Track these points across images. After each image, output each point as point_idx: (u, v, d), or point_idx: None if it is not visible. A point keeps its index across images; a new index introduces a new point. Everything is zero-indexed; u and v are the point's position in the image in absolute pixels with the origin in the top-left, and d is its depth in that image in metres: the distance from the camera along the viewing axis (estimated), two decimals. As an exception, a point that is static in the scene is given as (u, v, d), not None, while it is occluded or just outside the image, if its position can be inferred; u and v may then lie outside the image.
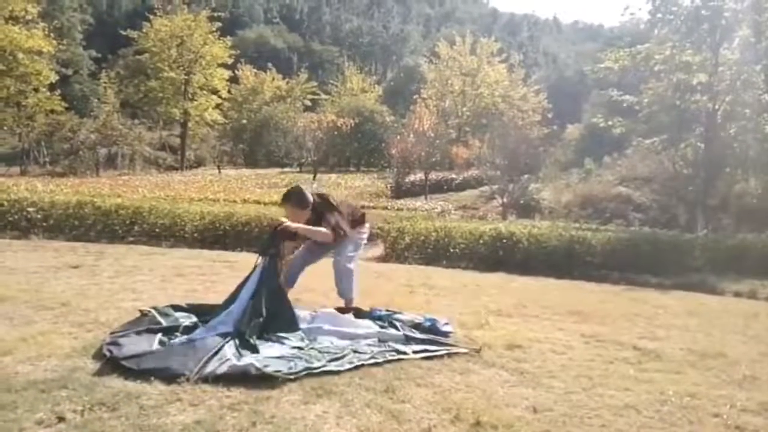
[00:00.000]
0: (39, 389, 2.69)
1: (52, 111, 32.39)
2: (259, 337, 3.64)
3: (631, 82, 19.28)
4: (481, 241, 10.31)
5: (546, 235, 10.31)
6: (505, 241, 10.16)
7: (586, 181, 24.96)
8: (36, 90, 30.97)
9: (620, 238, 10.80)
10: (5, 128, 32.27)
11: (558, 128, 35.16)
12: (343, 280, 4.61)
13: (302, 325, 3.94)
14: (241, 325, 3.65)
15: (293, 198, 4.43)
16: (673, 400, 3.20)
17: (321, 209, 4.43)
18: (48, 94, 31.60)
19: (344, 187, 28.02)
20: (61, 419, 2.42)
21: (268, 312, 3.79)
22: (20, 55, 29.21)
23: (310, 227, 4.35)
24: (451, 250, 10.37)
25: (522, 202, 22.08)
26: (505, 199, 21.69)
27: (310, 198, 4.43)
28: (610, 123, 18.40)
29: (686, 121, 16.90)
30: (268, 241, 4.16)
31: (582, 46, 79.19)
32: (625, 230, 15.05)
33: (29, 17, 29.38)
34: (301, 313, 4.21)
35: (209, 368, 3.04)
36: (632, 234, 12.36)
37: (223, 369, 3.05)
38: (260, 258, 4.03)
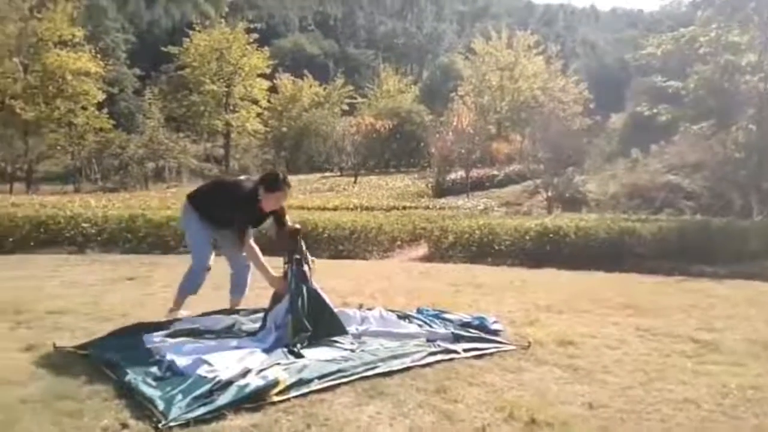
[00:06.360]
0: (102, 398, 2.81)
1: (101, 129, 33.63)
2: (309, 345, 3.62)
3: (675, 68, 18.68)
4: (527, 237, 10.17)
5: (594, 228, 10.10)
6: (551, 235, 10.00)
7: (633, 171, 24.25)
8: (84, 109, 32.21)
9: (671, 227, 10.49)
10: (59, 147, 33.63)
11: (601, 118, 34.35)
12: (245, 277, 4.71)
13: (351, 327, 3.96)
14: (287, 340, 3.63)
15: (282, 181, 4.44)
16: (735, 393, 3.10)
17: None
18: (96, 112, 32.86)
19: (385, 188, 28.08)
20: (124, 426, 2.52)
21: (313, 324, 3.74)
22: (69, 77, 30.61)
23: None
24: (496, 248, 10.26)
25: (567, 195, 21.66)
26: (549, 193, 21.32)
27: None
28: (655, 111, 17.88)
29: (736, 103, 16.28)
30: (290, 247, 4.03)
31: (621, 33, 77.05)
32: (676, 219, 14.60)
33: (76, 40, 30.78)
34: (351, 315, 4.24)
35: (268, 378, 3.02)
36: (683, 223, 12.00)
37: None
38: (286, 266, 3.96)
